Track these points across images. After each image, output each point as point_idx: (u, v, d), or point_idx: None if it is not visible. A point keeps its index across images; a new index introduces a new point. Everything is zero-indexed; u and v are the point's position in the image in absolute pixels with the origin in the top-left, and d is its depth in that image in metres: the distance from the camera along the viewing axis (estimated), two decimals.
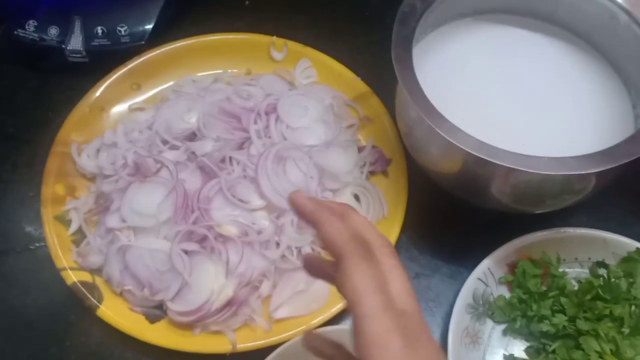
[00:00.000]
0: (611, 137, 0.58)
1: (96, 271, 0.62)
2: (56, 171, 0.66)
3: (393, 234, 0.63)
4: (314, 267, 0.44)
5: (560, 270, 0.61)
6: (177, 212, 0.61)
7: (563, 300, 0.58)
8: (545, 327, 0.58)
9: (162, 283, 0.59)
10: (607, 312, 0.57)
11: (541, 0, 0.65)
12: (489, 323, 0.61)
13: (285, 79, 0.74)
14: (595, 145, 0.53)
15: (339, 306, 0.59)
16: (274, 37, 0.75)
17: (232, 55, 0.75)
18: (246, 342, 0.58)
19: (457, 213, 0.66)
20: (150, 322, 0.60)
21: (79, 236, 0.64)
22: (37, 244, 0.66)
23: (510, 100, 0.62)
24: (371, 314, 0.34)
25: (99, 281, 0.61)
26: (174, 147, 0.67)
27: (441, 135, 0.52)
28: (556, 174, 0.50)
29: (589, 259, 0.63)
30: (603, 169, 0.50)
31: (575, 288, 0.60)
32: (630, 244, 0.61)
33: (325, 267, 0.42)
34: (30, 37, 0.74)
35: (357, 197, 0.66)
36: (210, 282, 0.59)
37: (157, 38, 0.75)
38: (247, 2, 0.83)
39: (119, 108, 0.72)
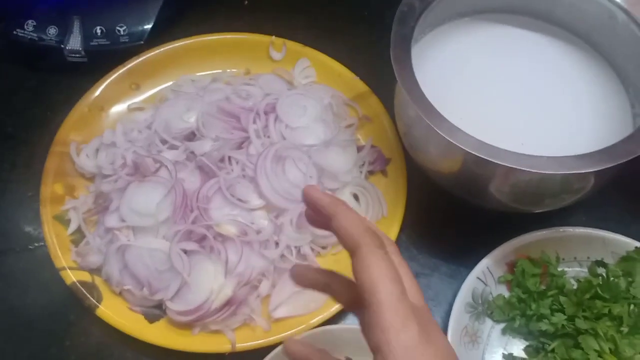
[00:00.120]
0: (610, 136, 0.58)
1: (95, 271, 0.62)
2: (55, 171, 0.66)
3: (392, 234, 0.63)
4: (304, 278, 0.43)
5: (559, 269, 0.61)
6: (176, 212, 0.61)
7: (562, 299, 0.58)
8: (544, 326, 0.58)
9: (162, 282, 0.59)
10: (606, 311, 0.57)
11: None
12: (488, 322, 0.61)
13: (284, 78, 0.74)
14: (594, 144, 0.53)
15: (337, 306, 0.59)
16: (273, 37, 0.75)
17: (231, 55, 0.75)
18: (245, 342, 0.58)
19: (456, 212, 0.66)
20: (149, 321, 0.60)
21: (78, 236, 0.64)
22: (36, 244, 0.66)
23: (510, 99, 0.62)
24: (389, 301, 0.34)
25: (98, 281, 0.61)
26: (173, 147, 0.67)
27: (440, 135, 0.52)
28: (555, 173, 0.50)
29: (588, 258, 0.63)
30: (602, 168, 0.50)
31: (574, 287, 0.60)
32: (629, 243, 0.61)
33: (317, 276, 0.42)
34: (29, 36, 0.74)
35: (356, 197, 0.67)
36: (209, 282, 0.59)
37: (156, 38, 0.75)
38: (246, 2, 0.83)
39: (118, 108, 0.72)
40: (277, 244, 0.62)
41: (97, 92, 0.71)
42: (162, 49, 0.74)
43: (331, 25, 0.80)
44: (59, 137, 0.68)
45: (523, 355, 0.59)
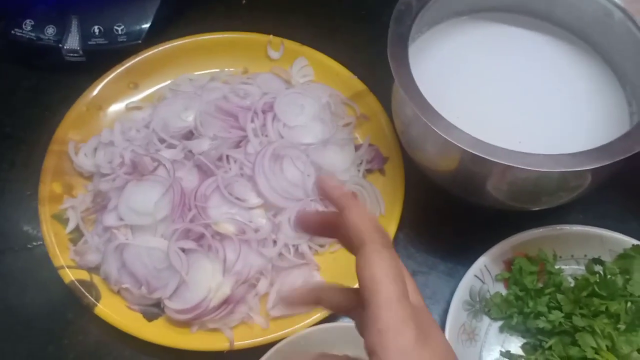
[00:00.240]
0: (607, 134, 0.58)
1: (94, 269, 0.62)
2: (53, 170, 0.66)
3: (390, 232, 0.63)
4: (309, 224, 0.43)
5: (557, 267, 0.62)
6: (174, 211, 0.61)
7: (559, 297, 0.59)
8: (541, 323, 0.58)
9: (160, 281, 0.59)
10: (603, 308, 0.57)
11: None
12: (486, 320, 0.61)
13: (282, 77, 0.74)
14: (591, 142, 0.53)
15: None
16: (271, 36, 0.75)
17: (229, 54, 0.75)
18: (244, 340, 0.58)
19: (454, 211, 0.66)
20: (147, 320, 0.60)
21: (77, 235, 0.64)
22: (34, 243, 0.66)
23: (507, 98, 0.62)
24: (388, 302, 0.34)
25: (96, 279, 0.61)
26: (171, 146, 0.67)
27: (437, 133, 0.52)
28: (552, 171, 0.51)
29: (585, 256, 0.63)
30: (598, 165, 0.50)
31: (572, 285, 0.60)
32: (626, 240, 0.62)
33: (304, 298, 0.42)
34: (28, 36, 0.74)
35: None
36: (207, 280, 0.59)
37: (154, 37, 0.75)
38: (243, 1, 0.83)
39: (116, 107, 0.72)
40: (275, 242, 0.62)
41: (95, 92, 0.71)
42: (160, 48, 0.74)
43: (329, 24, 0.80)
44: (58, 136, 0.68)
45: (520, 352, 0.60)
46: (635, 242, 0.61)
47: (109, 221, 0.62)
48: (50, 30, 0.74)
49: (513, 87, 0.62)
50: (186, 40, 0.75)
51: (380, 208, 0.66)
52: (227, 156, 0.65)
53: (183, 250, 0.60)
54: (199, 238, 0.61)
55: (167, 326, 0.59)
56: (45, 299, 0.63)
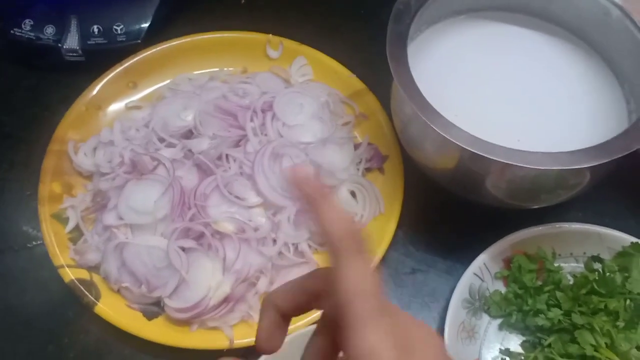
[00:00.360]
0: (605, 132, 0.58)
1: (94, 269, 0.62)
2: (53, 169, 0.66)
3: (389, 230, 0.64)
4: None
5: (556, 265, 0.62)
6: (174, 210, 0.61)
7: (558, 294, 0.59)
8: (540, 321, 0.58)
9: (160, 280, 0.59)
10: (602, 306, 0.57)
11: None
12: (485, 318, 0.61)
13: (281, 76, 0.74)
14: (590, 140, 0.54)
15: None
16: (270, 35, 0.75)
17: (228, 54, 0.75)
18: (244, 338, 0.58)
19: (453, 209, 0.66)
20: (147, 318, 0.60)
21: (76, 234, 0.64)
22: (34, 242, 0.66)
23: (505, 96, 0.62)
24: (363, 322, 0.31)
25: (96, 278, 0.61)
26: (170, 145, 0.67)
27: (436, 132, 0.52)
28: (550, 169, 0.51)
29: (584, 253, 0.63)
30: (597, 163, 0.50)
31: (571, 282, 0.61)
32: (625, 238, 0.62)
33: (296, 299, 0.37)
34: (27, 36, 0.74)
35: (353, 194, 0.67)
36: (207, 279, 0.59)
37: (153, 37, 0.75)
38: (242, 1, 0.83)
39: (116, 106, 0.72)
40: (274, 241, 0.62)
41: (95, 91, 0.71)
42: (159, 48, 0.74)
43: (328, 23, 0.81)
44: (57, 135, 0.68)
45: (520, 350, 0.60)
46: (634, 239, 0.61)
47: (108, 220, 0.62)
48: (50, 30, 0.74)
49: (511, 85, 0.63)
50: (185, 40, 0.75)
51: (379, 206, 0.66)
52: (227, 155, 0.65)
53: (183, 249, 0.60)
54: (199, 237, 0.61)
55: (167, 325, 0.60)
56: (45, 298, 0.63)
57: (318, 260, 0.63)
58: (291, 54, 0.75)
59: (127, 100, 0.73)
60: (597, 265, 0.62)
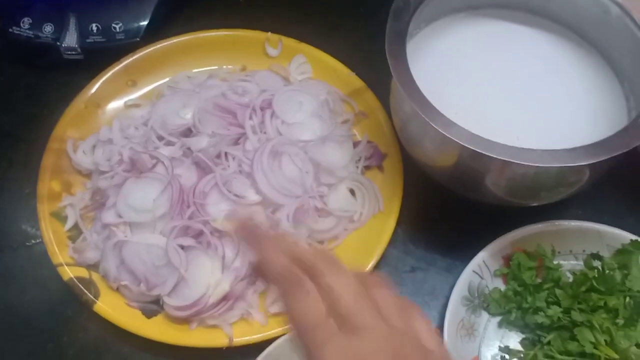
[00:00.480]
0: (604, 129, 0.58)
1: (93, 267, 0.62)
2: (52, 168, 0.66)
3: (389, 228, 0.64)
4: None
5: (555, 262, 0.62)
6: (173, 208, 0.61)
7: (558, 292, 0.59)
8: (540, 318, 0.58)
9: (159, 278, 0.59)
10: (601, 303, 0.57)
11: None
12: (485, 315, 0.61)
13: (280, 74, 0.74)
14: (589, 137, 0.53)
15: None
16: (269, 33, 0.75)
17: (227, 52, 0.75)
18: (243, 336, 0.58)
19: (453, 206, 0.66)
20: (147, 317, 0.60)
21: (75, 232, 0.64)
22: (33, 241, 0.66)
23: (505, 94, 0.62)
24: (317, 351, 0.32)
25: (95, 277, 0.61)
26: (169, 143, 0.67)
27: (436, 129, 0.52)
28: (550, 167, 0.51)
29: (584, 251, 0.63)
30: (596, 160, 0.50)
31: (570, 280, 0.61)
32: (625, 236, 0.62)
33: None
34: (25, 34, 0.74)
35: (352, 192, 0.67)
36: (206, 277, 0.59)
37: (152, 35, 0.75)
38: None
39: (115, 104, 0.72)
40: None
41: (94, 89, 0.71)
42: (158, 46, 0.74)
43: (327, 21, 0.80)
44: (56, 134, 0.68)
45: (519, 347, 0.60)
46: (633, 237, 0.61)
47: (107, 218, 0.62)
48: (48, 29, 0.74)
49: (511, 83, 0.62)
50: (184, 38, 0.75)
51: (379, 204, 0.66)
52: (226, 153, 0.65)
53: (182, 247, 0.60)
54: (198, 235, 0.61)
55: (166, 323, 0.60)
56: (45, 296, 0.63)
57: None
58: (290, 52, 0.75)
59: (126, 99, 0.73)
60: (597, 263, 0.62)
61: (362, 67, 0.73)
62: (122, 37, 0.75)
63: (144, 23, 0.76)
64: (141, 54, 0.73)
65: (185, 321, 0.59)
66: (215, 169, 0.64)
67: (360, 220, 0.65)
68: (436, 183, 0.63)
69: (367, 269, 0.61)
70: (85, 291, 0.60)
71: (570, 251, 0.63)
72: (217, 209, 0.62)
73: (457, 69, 0.63)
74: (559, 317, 0.58)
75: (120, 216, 0.62)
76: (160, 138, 0.67)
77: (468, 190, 0.61)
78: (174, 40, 0.74)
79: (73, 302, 0.61)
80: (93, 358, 0.61)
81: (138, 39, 0.75)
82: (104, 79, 0.72)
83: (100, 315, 0.59)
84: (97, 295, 0.60)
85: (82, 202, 0.65)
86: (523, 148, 0.51)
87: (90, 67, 0.72)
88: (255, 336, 0.58)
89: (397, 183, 0.66)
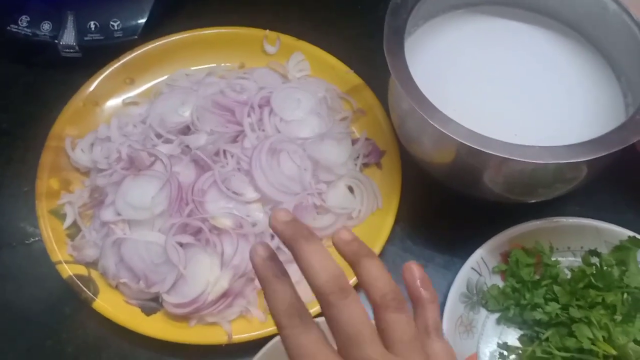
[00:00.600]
0: (602, 126, 0.58)
1: (91, 264, 0.62)
2: (50, 166, 0.66)
3: (387, 225, 0.64)
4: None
5: (553, 259, 0.62)
6: (172, 205, 0.61)
7: (556, 288, 0.59)
8: (538, 315, 0.58)
9: (158, 275, 0.59)
10: (599, 299, 0.57)
11: None
12: (483, 312, 0.61)
13: (278, 72, 0.74)
14: (587, 134, 0.54)
15: None
16: (267, 31, 0.75)
17: (226, 49, 0.75)
18: (242, 333, 0.58)
19: (451, 203, 0.66)
20: (146, 314, 0.60)
21: (74, 230, 0.64)
22: (32, 239, 0.66)
23: (503, 91, 0.62)
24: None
25: (94, 274, 0.61)
26: (167, 141, 0.67)
27: (434, 126, 0.52)
28: (548, 163, 0.51)
29: (582, 247, 0.63)
30: (594, 157, 0.50)
31: (568, 276, 0.61)
32: (623, 232, 0.62)
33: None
34: (23, 32, 0.74)
35: (351, 189, 0.67)
36: (205, 274, 0.59)
37: (150, 32, 0.75)
38: None
39: (113, 102, 0.72)
40: (272, 236, 0.62)
41: (92, 87, 0.71)
42: (156, 44, 0.74)
43: (325, 18, 0.80)
44: (54, 132, 0.68)
45: (517, 344, 0.60)
46: (631, 233, 0.62)
47: (106, 216, 0.62)
48: (46, 26, 0.74)
49: (509, 80, 0.63)
50: (182, 36, 0.75)
51: (377, 202, 0.66)
52: (224, 151, 0.65)
53: (181, 244, 0.60)
54: (197, 232, 0.61)
55: (165, 320, 0.60)
56: (44, 294, 0.63)
57: None
58: (289, 49, 0.75)
59: (124, 96, 0.73)
60: (595, 259, 0.62)
61: (360, 64, 0.73)
62: (120, 35, 0.75)
63: (142, 21, 0.75)
64: (139, 51, 0.73)
65: (184, 318, 0.59)
66: (214, 166, 0.64)
67: (358, 218, 0.66)
68: (434, 180, 0.63)
69: (373, 251, 0.61)
70: (84, 289, 0.60)
71: (568, 248, 0.63)
72: (216, 207, 0.62)
73: (455, 66, 0.63)
74: (557, 314, 0.58)
75: (119, 214, 0.62)
76: (159, 136, 0.67)
77: (466, 187, 0.61)
78: (172, 38, 0.74)
79: (72, 299, 0.61)
80: (92, 355, 0.61)
81: (136, 37, 0.75)
82: (102, 76, 0.72)
83: (99, 313, 0.59)
84: (96, 293, 0.60)
85: (80, 200, 0.65)
86: (521, 145, 0.51)
87: (89, 65, 0.72)
88: (254, 333, 0.58)
89: (395, 180, 0.66)
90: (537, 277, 0.61)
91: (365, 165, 0.69)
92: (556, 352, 0.56)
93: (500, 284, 0.62)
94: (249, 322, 0.60)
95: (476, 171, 0.57)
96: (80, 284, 0.60)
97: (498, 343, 0.60)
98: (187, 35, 0.75)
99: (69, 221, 0.64)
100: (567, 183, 0.58)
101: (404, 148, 0.65)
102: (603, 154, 0.50)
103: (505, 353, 0.59)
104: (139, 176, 0.63)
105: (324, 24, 0.79)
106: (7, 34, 0.74)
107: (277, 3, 0.81)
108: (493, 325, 0.61)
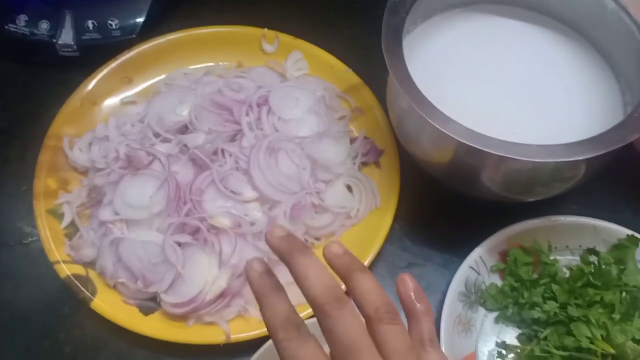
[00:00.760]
0: (600, 124, 0.58)
1: (89, 264, 0.62)
2: (48, 165, 0.66)
3: (385, 224, 0.64)
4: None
5: (552, 257, 0.62)
6: (170, 204, 0.61)
7: (554, 287, 0.59)
8: (536, 314, 0.58)
9: (156, 275, 0.59)
10: (597, 298, 0.57)
11: None
12: (481, 311, 0.61)
13: (276, 71, 0.74)
14: (585, 133, 0.54)
15: None
16: (265, 30, 0.75)
17: (223, 48, 0.75)
18: (240, 333, 0.58)
19: (449, 202, 0.66)
20: (144, 314, 0.60)
21: (72, 229, 0.64)
22: (30, 238, 0.66)
23: (501, 89, 0.62)
24: None
25: (92, 274, 0.61)
26: (165, 140, 0.67)
27: (432, 125, 0.52)
28: (546, 162, 0.51)
29: (580, 246, 0.63)
30: (592, 155, 0.50)
31: (566, 275, 0.61)
32: (621, 231, 0.62)
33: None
34: (21, 31, 0.74)
35: (349, 188, 0.67)
36: (203, 274, 0.59)
37: (148, 31, 0.75)
38: None
39: (111, 101, 0.72)
40: None
41: (90, 86, 0.71)
42: (154, 43, 0.74)
43: (324, 17, 0.80)
44: (52, 131, 0.68)
45: (516, 343, 0.60)
46: (629, 232, 0.62)
47: (104, 216, 0.62)
48: (44, 26, 0.74)
49: (507, 78, 0.62)
50: (180, 35, 0.75)
51: (376, 201, 0.66)
52: (222, 150, 0.65)
53: (179, 244, 0.60)
54: (195, 232, 0.61)
55: (163, 320, 0.60)
56: (41, 294, 0.63)
57: None
58: (287, 48, 0.75)
59: (122, 96, 0.72)
60: (593, 258, 0.62)
61: (358, 63, 0.73)
62: (118, 34, 0.75)
63: (140, 20, 0.75)
64: (137, 50, 0.73)
65: (182, 318, 0.59)
66: (212, 165, 0.64)
67: (357, 217, 0.66)
68: (433, 179, 0.63)
69: (364, 264, 0.61)
70: (82, 288, 0.60)
71: (567, 246, 0.63)
72: (214, 206, 0.62)
73: (453, 64, 0.63)
74: (555, 312, 0.58)
75: (116, 213, 0.62)
76: (157, 135, 0.67)
77: (465, 186, 0.61)
78: (170, 37, 0.74)
79: (70, 299, 0.61)
80: (90, 355, 0.61)
81: (134, 36, 0.75)
82: (100, 76, 0.71)
83: (97, 313, 0.59)
84: (94, 293, 0.60)
85: (78, 200, 0.65)
86: (519, 143, 0.51)
87: (86, 64, 0.72)
88: (252, 333, 0.58)
89: (394, 179, 0.66)
90: (535, 276, 0.61)
91: (364, 164, 0.69)
92: (554, 350, 0.56)
93: (499, 282, 0.62)
94: (247, 322, 0.60)
95: (475, 170, 0.57)
96: (78, 284, 0.60)
97: (496, 342, 0.60)
98: (185, 34, 0.75)
99: (66, 221, 0.64)
100: (565, 182, 0.58)
101: (403, 147, 0.65)
102: (601, 153, 0.50)
103: (504, 352, 0.59)
104: (137, 175, 0.63)
105: (322, 23, 0.79)
106: (5, 33, 0.74)
107: (275, 2, 0.81)
108: (491, 324, 0.61)
